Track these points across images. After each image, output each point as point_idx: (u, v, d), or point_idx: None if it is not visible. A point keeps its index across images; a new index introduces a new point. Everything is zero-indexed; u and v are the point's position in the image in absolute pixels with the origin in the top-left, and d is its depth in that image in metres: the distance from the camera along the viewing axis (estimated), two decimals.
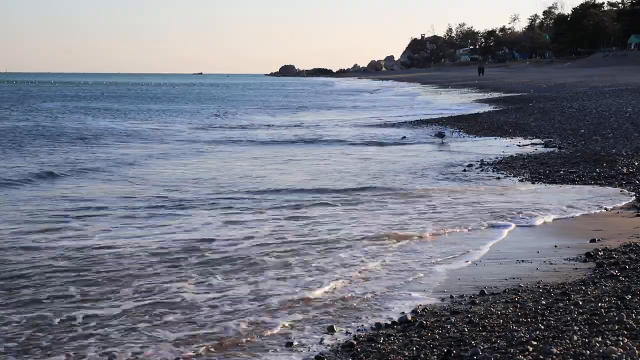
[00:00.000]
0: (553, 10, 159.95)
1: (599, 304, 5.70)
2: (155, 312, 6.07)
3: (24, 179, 13.37)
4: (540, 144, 18.21)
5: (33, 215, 10.05)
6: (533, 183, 12.56)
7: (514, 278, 6.90)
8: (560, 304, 5.82)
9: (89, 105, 45.66)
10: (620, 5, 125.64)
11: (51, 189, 12.54)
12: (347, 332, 5.54)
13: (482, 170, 14.15)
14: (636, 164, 13.56)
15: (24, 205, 10.86)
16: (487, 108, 34.01)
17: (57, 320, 5.85)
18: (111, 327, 5.73)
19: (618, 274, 6.65)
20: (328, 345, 5.29)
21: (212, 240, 8.59)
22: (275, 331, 5.64)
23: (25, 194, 11.94)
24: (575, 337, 4.95)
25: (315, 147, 20.16)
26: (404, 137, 21.66)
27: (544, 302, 5.92)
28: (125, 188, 12.69)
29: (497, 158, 15.74)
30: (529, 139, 19.60)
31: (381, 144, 20.33)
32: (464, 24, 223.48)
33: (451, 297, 6.36)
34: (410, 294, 6.52)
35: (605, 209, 10.13)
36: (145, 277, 7.06)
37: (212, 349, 5.31)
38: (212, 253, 8.00)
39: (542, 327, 5.29)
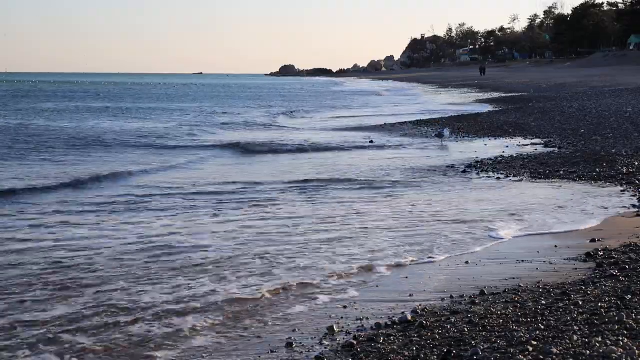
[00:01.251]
0: (553, 10, 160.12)
1: (599, 304, 5.70)
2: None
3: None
4: (540, 144, 18.22)
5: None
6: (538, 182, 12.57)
7: (514, 278, 6.90)
8: (560, 304, 5.82)
9: (85, 105, 45.60)
10: (620, 5, 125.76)
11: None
12: (347, 332, 5.54)
13: (482, 171, 14.14)
14: (636, 164, 13.56)
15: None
16: (487, 108, 34.04)
17: None
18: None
19: (618, 274, 6.65)
20: (328, 345, 5.29)
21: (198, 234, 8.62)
22: (275, 332, 5.64)
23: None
24: (575, 337, 4.95)
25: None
26: (371, 141, 20.47)
27: (544, 302, 5.92)
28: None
29: (497, 158, 15.73)
30: (529, 139, 19.61)
31: (398, 146, 19.84)
32: (464, 24, 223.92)
33: (451, 297, 6.36)
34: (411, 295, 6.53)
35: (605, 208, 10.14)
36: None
37: (209, 351, 5.31)
38: (198, 252, 8.02)
39: (542, 327, 5.29)
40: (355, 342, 5.23)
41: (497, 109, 32.41)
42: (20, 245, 8.31)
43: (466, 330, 5.34)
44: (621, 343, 4.77)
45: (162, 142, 21.46)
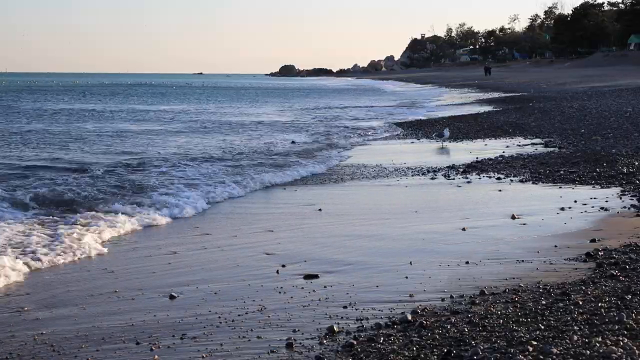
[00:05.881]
0: (553, 10, 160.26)
1: (599, 304, 5.69)
2: None
3: None
4: (540, 143, 18.22)
5: None
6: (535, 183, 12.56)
7: (514, 278, 6.90)
8: (560, 304, 5.82)
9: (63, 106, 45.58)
10: (620, 5, 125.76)
11: None
12: (347, 332, 5.54)
13: (481, 171, 14.13)
14: (636, 164, 13.55)
15: None
16: (487, 108, 34.05)
17: None
18: None
19: (618, 274, 6.65)
20: (328, 345, 5.28)
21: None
22: (275, 332, 5.64)
23: None
24: (575, 337, 4.95)
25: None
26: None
27: (544, 302, 5.92)
28: None
29: (497, 158, 15.73)
30: (529, 139, 19.60)
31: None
32: (464, 24, 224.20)
33: (451, 297, 6.35)
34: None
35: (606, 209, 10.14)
36: None
37: (208, 351, 5.31)
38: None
39: (542, 327, 5.29)
40: (355, 342, 5.23)
41: (497, 109, 32.41)
42: None
43: (466, 330, 5.34)
44: (621, 343, 4.77)
45: None
